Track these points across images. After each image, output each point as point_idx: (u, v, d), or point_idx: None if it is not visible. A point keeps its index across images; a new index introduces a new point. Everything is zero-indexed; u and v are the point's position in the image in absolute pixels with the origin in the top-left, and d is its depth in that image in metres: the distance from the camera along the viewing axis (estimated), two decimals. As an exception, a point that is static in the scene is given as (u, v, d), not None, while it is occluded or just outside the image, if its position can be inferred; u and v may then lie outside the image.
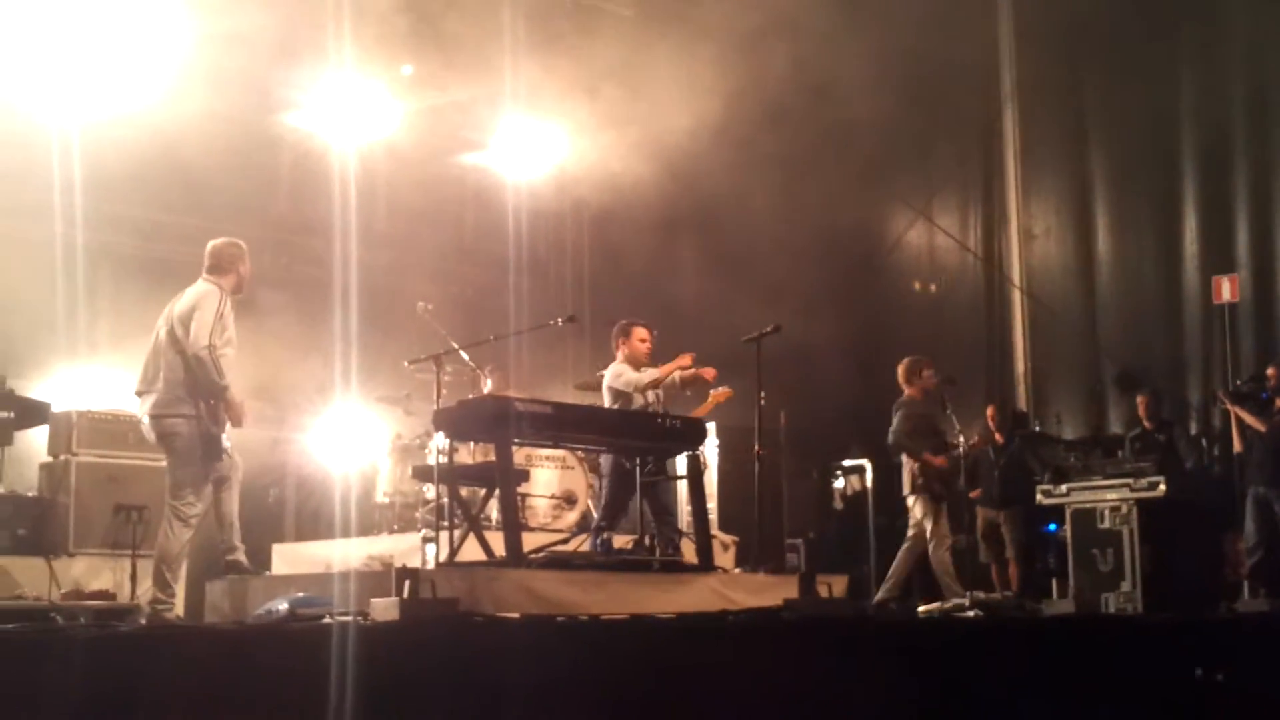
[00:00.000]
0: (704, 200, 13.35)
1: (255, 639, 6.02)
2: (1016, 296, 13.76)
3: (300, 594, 6.76)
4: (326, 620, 5.99)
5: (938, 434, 10.19)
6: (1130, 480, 10.12)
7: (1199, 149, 12.74)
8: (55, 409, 9.59)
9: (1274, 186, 12.26)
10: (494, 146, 13.12)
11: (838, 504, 12.05)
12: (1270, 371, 10.44)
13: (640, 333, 9.51)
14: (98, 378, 10.42)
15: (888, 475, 11.93)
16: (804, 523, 11.66)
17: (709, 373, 9.45)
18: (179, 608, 7.81)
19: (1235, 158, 12.52)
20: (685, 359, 9.33)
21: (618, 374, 9.31)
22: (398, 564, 7.01)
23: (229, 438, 7.88)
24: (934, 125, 13.51)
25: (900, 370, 10.34)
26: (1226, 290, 11.27)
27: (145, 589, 7.98)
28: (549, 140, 13.09)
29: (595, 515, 10.05)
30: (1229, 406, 10.22)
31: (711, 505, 10.53)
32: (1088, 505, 10.13)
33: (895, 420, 10.20)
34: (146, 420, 7.81)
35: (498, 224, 13.30)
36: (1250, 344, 11.86)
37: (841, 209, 14.02)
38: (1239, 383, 10.42)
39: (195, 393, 7.66)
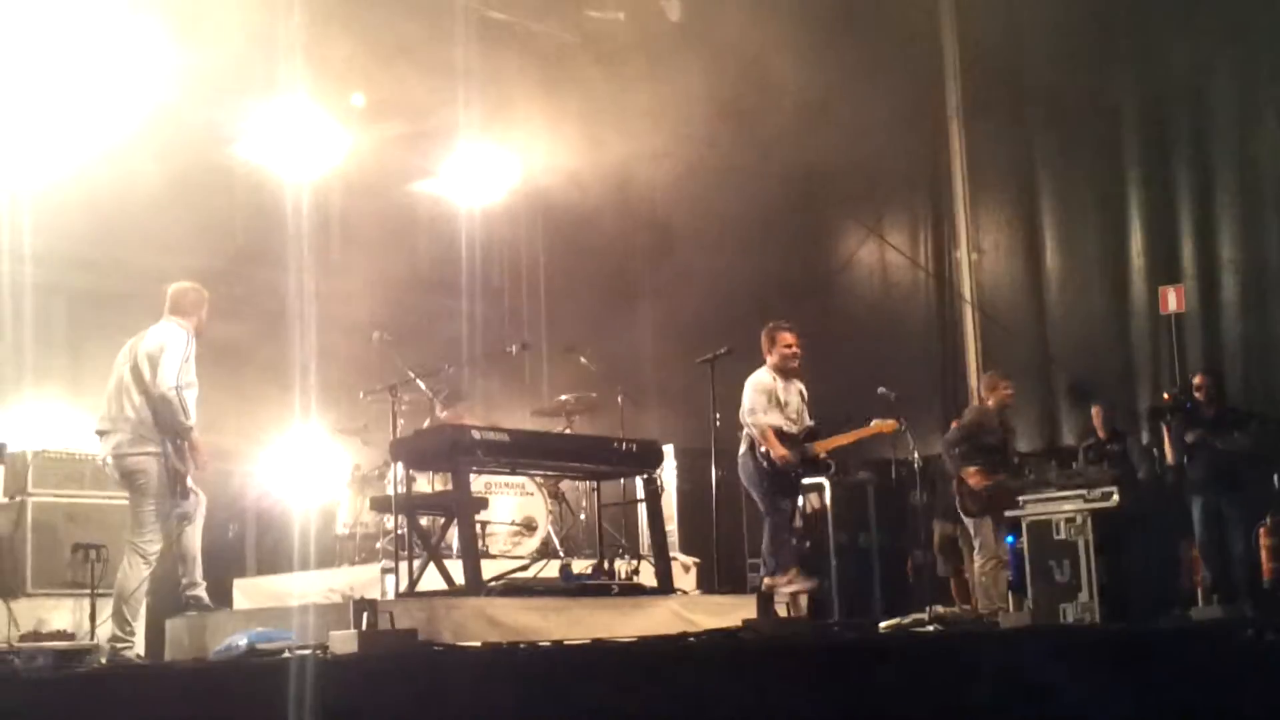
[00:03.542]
0: (657, 223, 13.43)
1: (215, 676, 6.03)
2: (968, 312, 13.89)
3: (260, 629, 6.76)
4: (285, 655, 6.01)
5: (995, 450, 10.33)
6: (1084, 491, 10.22)
7: (1142, 161, 12.91)
8: (10, 449, 9.53)
9: (1216, 196, 12.42)
10: (446, 174, 13.15)
11: (798, 522, 12.08)
12: (1198, 380, 10.60)
13: (785, 338, 9.54)
14: (53, 416, 10.37)
15: (846, 493, 12.01)
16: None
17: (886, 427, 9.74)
18: (139, 646, 7.79)
19: (1178, 169, 12.68)
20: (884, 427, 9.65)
21: (754, 386, 9.41)
22: (358, 596, 7.02)
23: (191, 474, 7.91)
24: (883, 143, 13.62)
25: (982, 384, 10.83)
26: (1173, 300, 11.41)
27: (105, 628, 7.97)
28: (501, 167, 13.14)
29: (556, 541, 10.11)
30: (1168, 429, 10.35)
31: (671, 527, 10.59)
32: (1043, 517, 10.22)
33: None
34: (110, 459, 7.83)
35: (452, 251, 13.33)
36: (1197, 352, 12.00)
37: (794, 229, 14.14)
38: (1168, 393, 10.55)
39: (161, 431, 7.70)
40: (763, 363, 9.56)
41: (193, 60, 9.98)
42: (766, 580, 9.08)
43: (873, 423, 9.71)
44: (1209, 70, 12.45)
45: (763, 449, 9.24)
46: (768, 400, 9.37)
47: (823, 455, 9.47)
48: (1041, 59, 13.05)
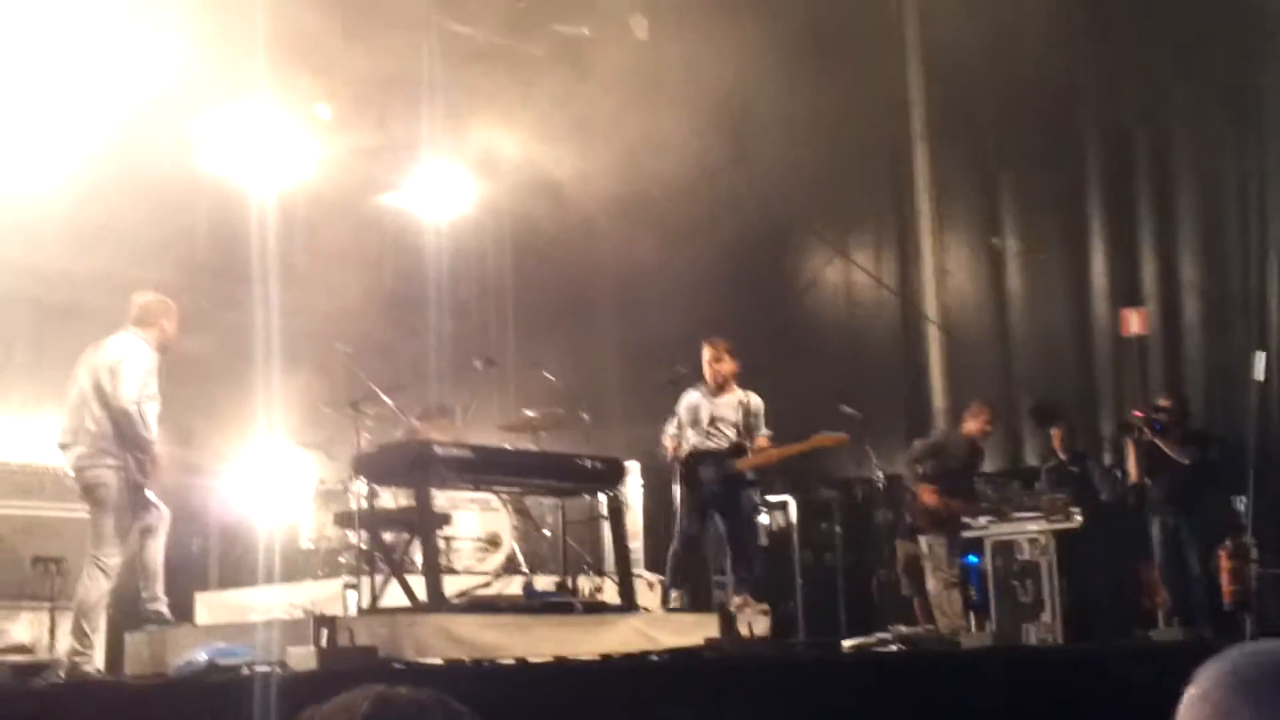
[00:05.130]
0: (624, 240, 13.43)
1: (173, 692, 6.00)
2: (932, 332, 13.96)
3: (220, 644, 6.70)
4: (244, 671, 5.97)
5: (957, 474, 10.36)
6: (1047, 512, 10.29)
7: (1105, 184, 13.04)
8: (-31, 461, 9.43)
9: (1179, 219, 12.56)
10: (412, 187, 13.11)
11: (763, 540, 12.09)
12: (1164, 402, 10.69)
13: (706, 353, 9.57)
14: (13, 427, 10.28)
15: (812, 512, 12.03)
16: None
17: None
18: (98, 660, 7.72)
19: (1139, 192, 12.81)
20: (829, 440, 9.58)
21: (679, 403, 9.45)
22: (320, 611, 6.98)
23: (153, 488, 7.85)
24: (848, 163, 13.70)
25: None
26: (1135, 323, 11.51)
27: (64, 641, 7.89)
28: (468, 181, 13.11)
29: (520, 558, 10.07)
30: (1151, 437, 10.41)
31: (636, 545, 10.57)
32: (1007, 537, 10.28)
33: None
34: (71, 472, 7.77)
35: (418, 265, 13.29)
36: (1159, 375, 12.11)
37: (760, 247, 14.17)
38: (1138, 412, 10.64)
39: (122, 444, 7.64)
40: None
41: (157, 72, 9.93)
42: (737, 601, 9.04)
43: (815, 436, 9.69)
44: (1171, 94, 12.60)
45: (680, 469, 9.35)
46: (690, 417, 9.44)
47: (744, 471, 9.45)
48: (1006, 83, 13.15)
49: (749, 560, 9.50)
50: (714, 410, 9.47)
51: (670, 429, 9.54)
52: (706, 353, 9.56)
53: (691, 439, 9.43)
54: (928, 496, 10.15)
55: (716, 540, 9.69)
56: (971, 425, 10.57)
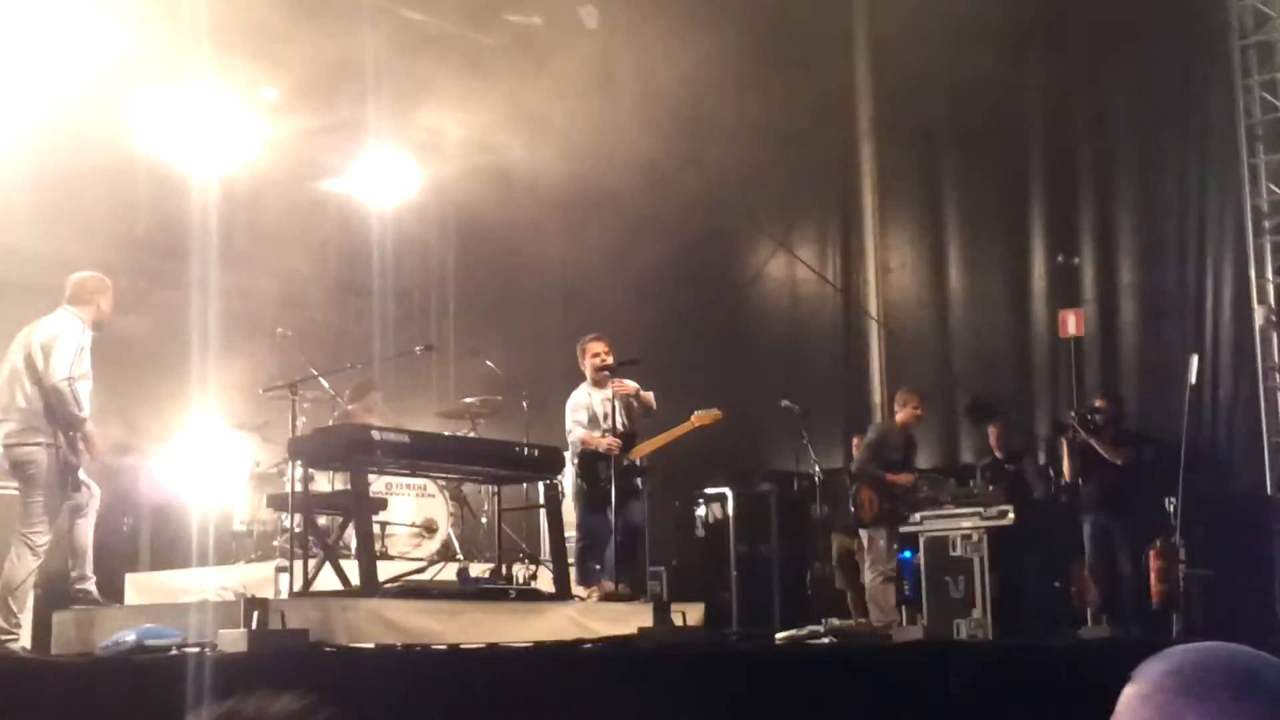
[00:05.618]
0: (569, 229, 13.43)
1: (100, 671, 5.94)
2: (873, 328, 14.04)
3: (149, 625, 6.65)
4: (173, 652, 5.93)
5: (898, 465, 10.39)
6: (981, 509, 10.39)
7: (1046, 186, 13.15)
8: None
9: (1118, 223, 12.69)
10: (357, 172, 13.06)
11: (700, 532, 12.13)
12: (1100, 403, 10.82)
13: (593, 347, 9.49)
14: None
15: (748, 504, 12.07)
16: (666, 551, 11.72)
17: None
18: (25, 638, 7.65)
19: (1081, 195, 12.93)
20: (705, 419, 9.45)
21: (570, 406, 9.38)
22: (251, 594, 6.94)
23: (84, 467, 7.78)
24: (794, 159, 13.73)
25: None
26: (1072, 324, 11.62)
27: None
28: (413, 167, 13.07)
29: (456, 544, 10.05)
30: (1087, 437, 10.53)
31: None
32: (940, 533, 10.37)
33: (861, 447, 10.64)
34: (1, 449, 7.70)
35: (361, 250, 13.24)
36: (1095, 376, 12.23)
37: (705, 239, 14.19)
38: (1074, 412, 10.78)
39: (53, 422, 7.57)
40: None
41: (102, 52, 9.83)
42: (608, 586, 8.92)
43: (693, 416, 9.65)
44: (1113, 101, 12.72)
45: (574, 468, 9.27)
46: (587, 418, 9.38)
47: (638, 460, 9.42)
48: (951, 83, 13.22)
49: (636, 550, 9.43)
50: (606, 405, 9.43)
51: (580, 430, 9.39)
52: (597, 346, 9.49)
53: (591, 439, 9.36)
54: (905, 478, 10.21)
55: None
56: (903, 414, 10.62)
